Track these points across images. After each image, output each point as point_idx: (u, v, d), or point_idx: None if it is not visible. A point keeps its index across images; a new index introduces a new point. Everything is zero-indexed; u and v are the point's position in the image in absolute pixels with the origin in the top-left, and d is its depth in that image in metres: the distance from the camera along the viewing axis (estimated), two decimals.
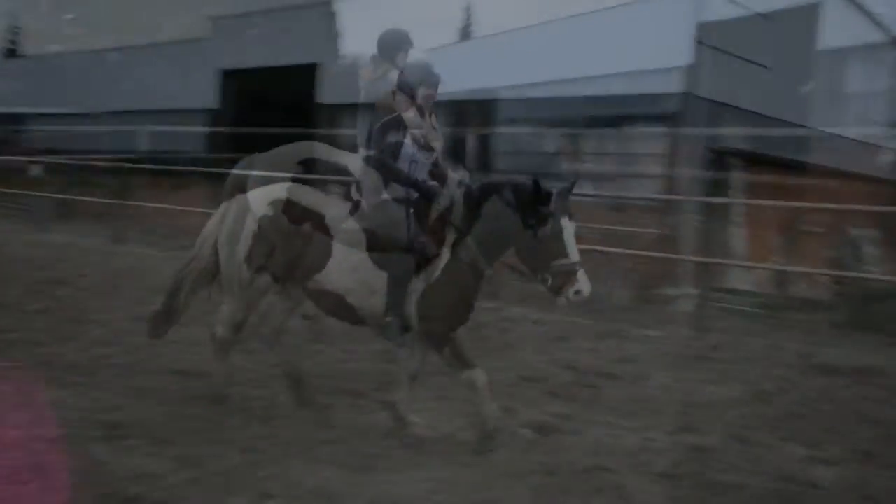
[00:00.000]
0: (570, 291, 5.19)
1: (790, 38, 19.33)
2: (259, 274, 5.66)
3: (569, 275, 5.16)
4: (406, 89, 5.71)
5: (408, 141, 5.58)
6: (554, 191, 5.22)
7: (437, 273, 5.39)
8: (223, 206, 6.06)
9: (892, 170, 20.90)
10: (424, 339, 5.50)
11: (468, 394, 5.50)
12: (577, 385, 7.22)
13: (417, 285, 5.40)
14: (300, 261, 5.57)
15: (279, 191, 5.81)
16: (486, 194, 5.45)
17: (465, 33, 48.09)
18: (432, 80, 5.72)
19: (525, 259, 5.36)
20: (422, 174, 5.66)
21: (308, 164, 5.91)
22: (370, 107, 5.94)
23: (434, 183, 5.59)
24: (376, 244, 5.45)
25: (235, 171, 6.25)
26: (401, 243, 5.39)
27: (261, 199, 5.76)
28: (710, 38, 17.09)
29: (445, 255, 5.41)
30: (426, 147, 5.66)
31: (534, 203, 5.20)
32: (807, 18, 19.80)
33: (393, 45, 6.29)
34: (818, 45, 20.40)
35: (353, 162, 6.01)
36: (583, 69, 28.57)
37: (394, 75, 5.99)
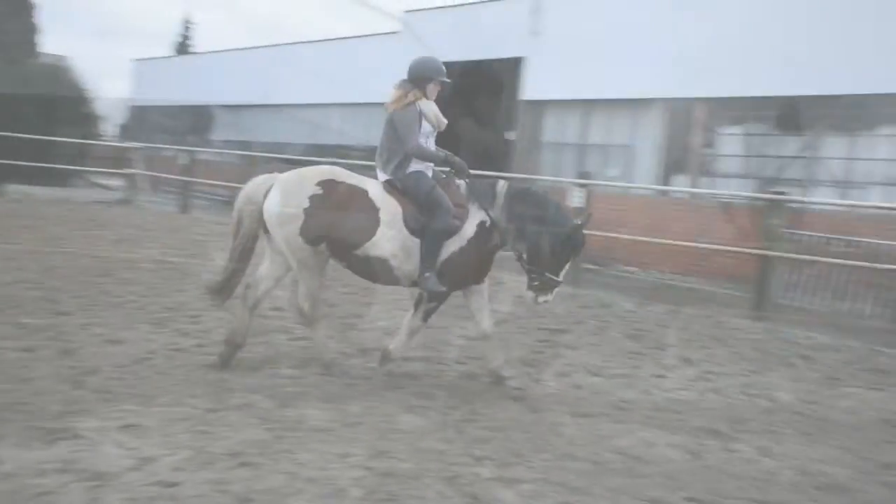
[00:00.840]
0: (542, 297, 6.35)
1: None
2: (317, 245, 6.24)
3: (550, 287, 6.31)
4: (419, 83, 6.43)
5: (426, 125, 6.39)
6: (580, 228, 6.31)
7: (464, 243, 6.27)
8: (253, 184, 6.56)
9: None
10: (426, 289, 6.26)
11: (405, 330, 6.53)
12: None
13: (447, 248, 6.26)
14: (351, 232, 6.19)
15: (324, 172, 6.43)
16: (533, 200, 6.45)
17: (183, 48, 48.19)
18: (441, 75, 6.50)
19: (532, 257, 6.29)
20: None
21: (327, 188, 6.24)
22: (394, 129, 6.38)
23: (459, 160, 6.48)
24: (415, 214, 6.23)
25: (252, 185, 6.59)
26: (434, 209, 6.19)
27: (307, 179, 6.33)
28: None
29: (470, 229, 6.30)
30: (436, 128, 6.51)
31: (568, 234, 6.24)
32: None
33: (427, 73, 6.48)
34: None
35: (373, 187, 6.38)
36: (301, 96, 28.79)
37: (424, 105, 6.39)
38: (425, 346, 7.46)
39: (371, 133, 26.30)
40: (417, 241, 6.24)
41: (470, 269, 6.42)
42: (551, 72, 21.25)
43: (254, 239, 6.52)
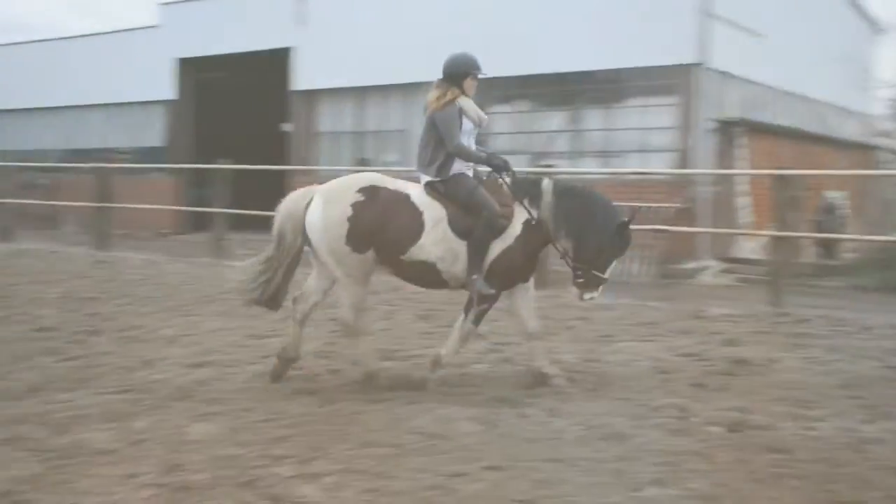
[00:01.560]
0: (587, 294, 6.31)
1: None
2: (364, 252, 6.17)
3: (597, 283, 6.26)
4: (456, 80, 6.34)
5: (467, 123, 6.28)
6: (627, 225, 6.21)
7: (511, 241, 6.18)
8: (291, 197, 6.47)
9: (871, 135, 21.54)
10: (477, 291, 6.18)
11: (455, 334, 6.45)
12: None
13: (494, 249, 6.17)
14: (396, 237, 6.14)
15: (364, 179, 6.42)
16: (580, 197, 6.37)
17: None
18: (477, 69, 6.39)
19: (579, 254, 6.25)
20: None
21: (369, 194, 6.19)
22: (435, 129, 6.28)
23: (502, 158, 6.36)
24: (460, 216, 6.15)
25: (290, 200, 6.52)
26: (480, 209, 6.10)
27: (349, 187, 6.27)
28: None
29: (517, 228, 6.21)
30: (478, 125, 6.40)
31: (616, 231, 6.14)
32: None
33: (463, 69, 6.38)
34: None
35: (415, 191, 6.33)
36: (55, 98, 27.64)
37: (464, 102, 6.30)
38: (211, 351, 7.34)
39: (136, 134, 25.33)
40: (464, 243, 6.18)
41: (518, 269, 6.35)
42: (321, 60, 21.09)
43: (298, 253, 6.44)
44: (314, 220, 6.21)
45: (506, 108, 19.72)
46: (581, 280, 6.28)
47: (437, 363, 6.42)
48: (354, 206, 6.13)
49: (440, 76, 6.42)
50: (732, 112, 17.85)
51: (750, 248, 16.68)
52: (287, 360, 6.45)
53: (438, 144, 6.26)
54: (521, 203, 6.25)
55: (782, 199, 10.67)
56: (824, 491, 4.25)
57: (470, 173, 6.38)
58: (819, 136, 20.63)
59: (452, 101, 6.25)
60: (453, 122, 6.21)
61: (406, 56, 19.06)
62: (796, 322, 9.07)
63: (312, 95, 22.00)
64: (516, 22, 18.20)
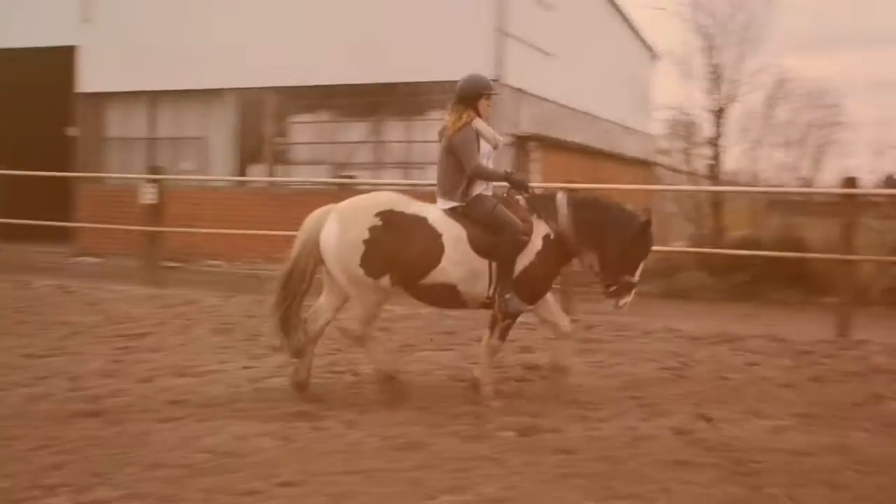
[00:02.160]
0: (622, 301, 6.28)
1: None
2: (378, 277, 6.08)
3: (629, 288, 6.26)
4: (470, 102, 6.26)
5: (484, 145, 6.24)
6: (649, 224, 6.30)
7: (532, 258, 6.16)
8: (313, 217, 6.38)
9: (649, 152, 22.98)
10: (509, 309, 6.15)
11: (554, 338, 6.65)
12: None
13: (517, 266, 6.13)
14: (416, 260, 6.07)
15: (383, 201, 6.29)
16: (595, 206, 6.45)
17: None
18: (489, 90, 6.39)
19: (606, 262, 6.29)
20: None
21: (386, 218, 6.07)
22: (453, 154, 6.22)
23: (519, 176, 6.49)
24: (481, 235, 6.09)
25: (309, 220, 6.38)
26: (503, 228, 6.06)
27: (366, 210, 6.16)
28: None
29: (537, 243, 6.19)
30: (495, 147, 6.37)
31: (639, 232, 6.23)
32: None
33: (475, 91, 6.32)
34: None
35: (432, 213, 6.24)
36: None
37: (480, 125, 6.24)
38: None
39: None
40: (485, 262, 6.10)
41: (541, 283, 6.32)
42: (110, 62, 19.72)
43: (311, 275, 6.29)
44: (328, 241, 6.12)
45: (308, 117, 19.57)
46: (613, 288, 6.30)
47: (475, 385, 6.36)
48: (372, 229, 6.03)
49: (454, 99, 6.36)
50: (527, 128, 18.47)
51: None
52: (299, 384, 6.32)
53: (458, 169, 6.20)
54: (540, 218, 6.26)
55: None
56: (605, 488, 4.46)
57: (489, 193, 6.32)
58: (606, 153, 21.73)
59: (469, 123, 6.19)
60: (471, 144, 6.16)
61: (204, 61, 18.57)
62: (585, 328, 9.45)
63: (100, 98, 20.76)
64: (320, 32, 18.09)
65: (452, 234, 6.11)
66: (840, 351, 8.42)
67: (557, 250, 6.29)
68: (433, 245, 6.08)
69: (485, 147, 6.25)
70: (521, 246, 6.12)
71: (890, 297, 12.58)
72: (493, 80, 16.95)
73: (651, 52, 25.95)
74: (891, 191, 14.14)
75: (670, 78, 34.82)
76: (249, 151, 19.70)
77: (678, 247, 14.67)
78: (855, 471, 4.84)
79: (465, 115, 6.21)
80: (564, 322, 6.62)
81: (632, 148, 23.90)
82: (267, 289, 6.52)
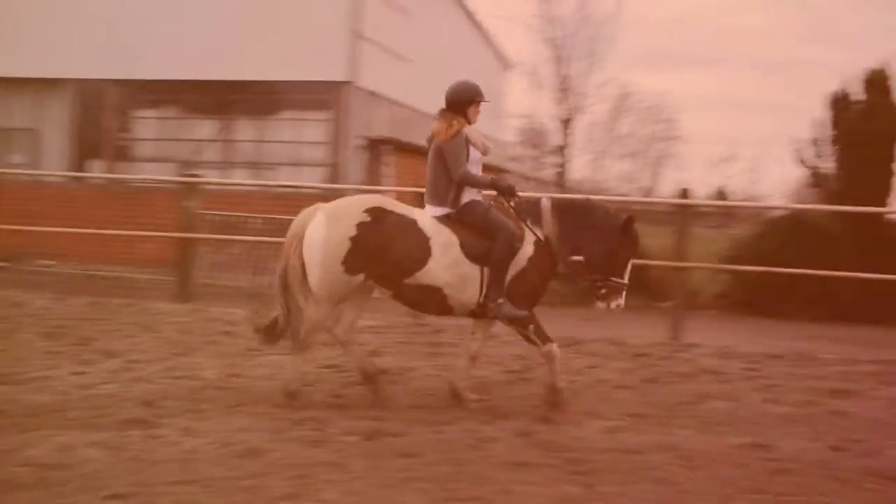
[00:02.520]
0: (613, 303, 6.28)
1: None
2: (354, 275, 6.07)
3: (618, 291, 6.26)
4: (459, 109, 6.29)
5: (474, 153, 6.25)
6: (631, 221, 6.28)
7: (525, 263, 6.16)
8: (301, 216, 6.37)
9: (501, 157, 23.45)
10: (505, 315, 6.14)
11: (545, 362, 6.43)
12: None
13: (510, 273, 6.14)
14: (401, 261, 6.04)
15: (372, 200, 6.31)
16: (579, 210, 6.49)
17: None
18: (480, 97, 6.38)
19: (594, 264, 6.28)
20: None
21: (375, 216, 6.05)
22: (442, 160, 6.20)
23: (507, 182, 6.49)
24: (473, 240, 6.10)
25: (298, 217, 6.35)
26: (496, 233, 6.07)
27: (355, 207, 6.17)
28: None
29: (529, 249, 6.19)
30: (484, 154, 6.39)
31: (622, 231, 6.22)
32: None
33: (465, 97, 6.32)
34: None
35: (422, 216, 6.24)
36: None
37: (470, 132, 6.25)
38: None
39: None
40: (477, 268, 6.09)
41: (536, 289, 6.30)
42: None
43: (300, 273, 6.19)
44: (315, 236, 6.09)
45: (152, 113, 19.01)
46: (603, 291, 6.30)
47: (456, 393, 6.34)
48: (360, 226, 6.02)
49: (443, 106, 6.33)
50: (380, 130, 18.48)
51: None
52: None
53: (447, 175, 6.20)
54: (526, 224, 6.27)
55: None
56: (447, 490, 4.48)
57: (479, 199, 6.34)
58: None
59: (459, 131, 6.18)
60: (460, 152, 6.16)
61: (39, 48, 17.73)
62: (433, 332, 9.54)
63: None
64: (169, 25, 17.57)
65: (441, 238, 6.12)
66: (672, 353, 8.83)
67: (548, 255, 6.30)
68: (420, 247, 6.08)
69: (474, 154, 6.28)
70: (515, 251, 6.15)
71: (719, 301, 13.27)
72: (346, 82, 17.13)
73: (503, 62, 26.44)
74: (721, 202, 14.87)
75: (522, 87, 35.48)
76: (88, 146, 18.88)
77: None
78: (680, 466, 5.06)
79: (455, 123, 6.22)
80: (554, 349, 6.51)
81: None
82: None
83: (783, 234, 12.96)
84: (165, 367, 7.29)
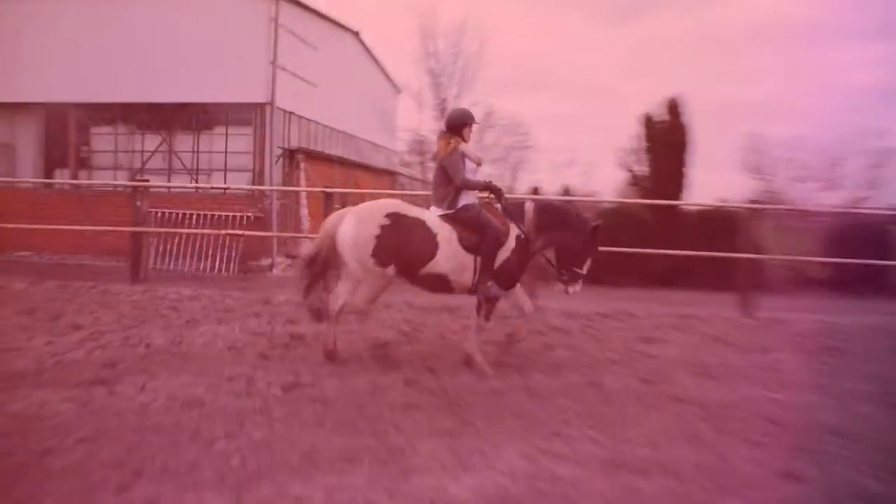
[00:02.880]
0: (571, 288, 6.35)
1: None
2: (386, 266, 6.06)
3: (577, 278, 6.34)
4: (454, 130, 6.34)
5: (469, 163, 6.32)
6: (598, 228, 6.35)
7: (508, 254, 6.22)
8: (332, 218, 6.42)
9: (393, 164, 23.48)
10: (490, 295, 6.24)
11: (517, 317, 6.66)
12: None
13: (497, 260, 6.19)
14: (417, 254, 6.06)
15: (391, 205, 6.25)
16: (556, 212, 6.53)
17: None
18: (472, 120, 6.43)
19: (561, 258, 6.41)
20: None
21: (393, 219, 6.07)
22: (445, 172, 6.26)
23: (496, 185, 6.41)
24: (468, 235, 6.13)
25: (328, 221, 6.43)
26: (485, 229, 6.13)
27: (377, 211, 6.15)
28: None
29: (511, 241, 6.24)
30: (478, 165, 6.47)
31: (590, 234, 6.29)
32: None
33: (460, 121, 6.37)
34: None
35: (429, 216, 6.25)
36: None
37: (465, 148, 6.30)
38: None
39: None
40: (471, 257, 6.13)
41: (515, 274, 6.33)
42: None
43: (329, 262, 6.30)
44: (346, 235, 6.11)
45: (108, 129, 18.38)
46: (565, 277, 6.36)
47: (470, 360, 6.26)
48: (382, 227, 6.04)
49: (443, 128, 6.42)
50: (295, 142, 18.27)
51: (310, 247, 17.15)
52: (329, 353, 6.30)
53: (448, 183, 6.25)
54: (511, 221, 6.29)
55: (328, 211, 11.19)
56: (351, 428, 4.52)
57: (474, 202, 6.36)
58: (359, 164, 21.89)
59: (456, 147, 6.24)
60: (459, 163, 6.21)
61: (13, 77, 17.00)
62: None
63: None
64: (120, 55, 17.08)
65: (444, 233, 6.15)
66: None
67: (526, 247, 6.33)
68: (430, 242, 6.10)
69: (469, 165, 6.33)
70: (500, 243, 6.19)
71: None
72: (266, 104, 16.85)
73: (394, 87, 26.36)
74: (565, 197, 15.24)
75: (409, 108, 35.42)
76: (56, 157, 18.33)
77: None
78: (532, 402, 5.24)
79: (452, 141, 6.29)
80: (528, 305, 6.66)
81: (380, 161, 24.22)
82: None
83: (611, 222, 13.37)
84: (122, 336, 7.07)
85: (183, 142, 18.06)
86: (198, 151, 17.87)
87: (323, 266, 6.36)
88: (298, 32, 17.95)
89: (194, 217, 15.91)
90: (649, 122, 15.43)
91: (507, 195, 6.49)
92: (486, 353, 6.35)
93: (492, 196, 6.41)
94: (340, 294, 6.39)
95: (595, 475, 3.84)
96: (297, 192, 17.43)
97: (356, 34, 22.66)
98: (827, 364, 6.81)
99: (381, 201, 6.46)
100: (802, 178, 15.76)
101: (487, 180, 6.48)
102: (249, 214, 15.84)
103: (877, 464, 4.11)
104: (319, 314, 6.45)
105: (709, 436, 4.56)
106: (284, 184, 17.35)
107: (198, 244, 15.41)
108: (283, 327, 7.77)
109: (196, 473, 3.78)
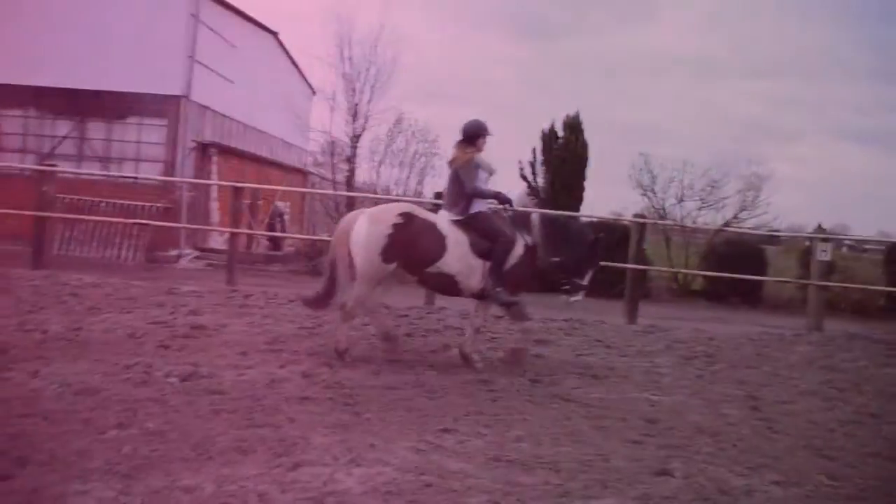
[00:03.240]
0: (573, 298, 6.45)
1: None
2: (389, 263, 6.02)
3: (579, 288, 6.41)
4: (470, 140, 6.36)
5: (482, 173, 6.31)
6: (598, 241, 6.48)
7: (516, 261, 6.21)
8: (348, 217, 6.41)
9: (306, 163, 23.16)
10: (501, 300, 6.20)
11: (518, 335, 6.71)
12: None
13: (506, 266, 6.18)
14: (425, 254, 6.05)
15: (403, 207, 6.30)
16: (559, 225, 6.65)
17: None
18: (486, 132, 6.39)
19: (565, 268, 6.41)
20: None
21: (406, 219, 6.05)
22: (458, 179, 6.28)
23: (506, 195, 6.47)
24: (479, 240, 6.15)
25: (344, 220, 6.43)
26: (497, 236, 6.15)
27: (390, 212, 6.15)
28: None
29: (519, 250, 6.25)
30: (490, 174, 6.44)
31: (590, 247, 6.41)
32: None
33: (475, 132, 6.36)
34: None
35: (440, 219, 6.26)
36: None
37: (479, 158, 6.30)
38: None
39: None
40: (480, 261, 6.14)
41: (523, 281, 6.33)
42: None
43: (347, 258, 6.14)
44: (358, 234, 6.07)
45: (19, 112, 17.38)
46: (567, 287, 6.41)
47: (467, 359, 6.35)
48: (395, 226, 6.01)
49: (460, 138, 6.40)
50: (209, 137, 17.75)
51: (219, 240, 16.73)
52: (340, 352, 6.15)
53: (461, 189, 6.24)
54: (519, 231, 6.31)
55: (238, 205, 10.94)
56: (246, 419, 4.38)
57: (486, 209, 6.36)
58: (272, 161, 21.43)
59: (472, 157, 6.26)
60: (472, 172, 6.24)
61: None
62: (244, 296, 9.27)
63: None
64: (32, 39, 16.15)
65: (454, 236, 6.15)
66: (426, 314, 9.03)
67: (533, 256, 6.32)
68: (438, 243, 6.09)
69: (482, 174, 6.32)
70: (510, 249, 6.20)
71: None
72: (182, 96, 16.32)
73: (310, 88, 25.97)
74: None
75: (323, 110, 34.99)
76: None
77: (323, 236, 14.80)
78: (425, 398, 5.22)
79: (468, 151, 6.31)
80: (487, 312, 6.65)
81: (291, 159, 23.76)
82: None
83: None
84: (18, 321, 6.67)
85: (95, 129, 17.28)
86: (110, 140, 17.13)
87: (340, 260, 6.27)
88: (218, 29, 17.47)
89: (102, 205, 15.20)
90: (549, 138, 15.77)
91: (515, 206, 6.65)
92: (379, 350, 6.29)
93: (501, 205, 6.49)
94: (354, 293, 6.29)
95: (480, 469, 3.86)
96: (207, 186, 16.93)
97: (275, 35, 22.22)
98: (700, 369, 7.11)
99: (395, 203, 6.65)
100: (685, 197, 16.41)
101: (497, 190, 6.53)
102: (159, 205, 15.28)
103: (739, 460, 4.31)
104: (315, 303, 6.47)
105: (590, 434, 4.67)
106: (196, 177, 16.83)
107: (105, 232, 14.73)
108: (186, 318, 7.50)
109: (84, 462, 3.57)
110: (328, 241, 14.38)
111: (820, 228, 11.01)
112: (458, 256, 6.16)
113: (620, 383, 6.21)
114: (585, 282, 6.46)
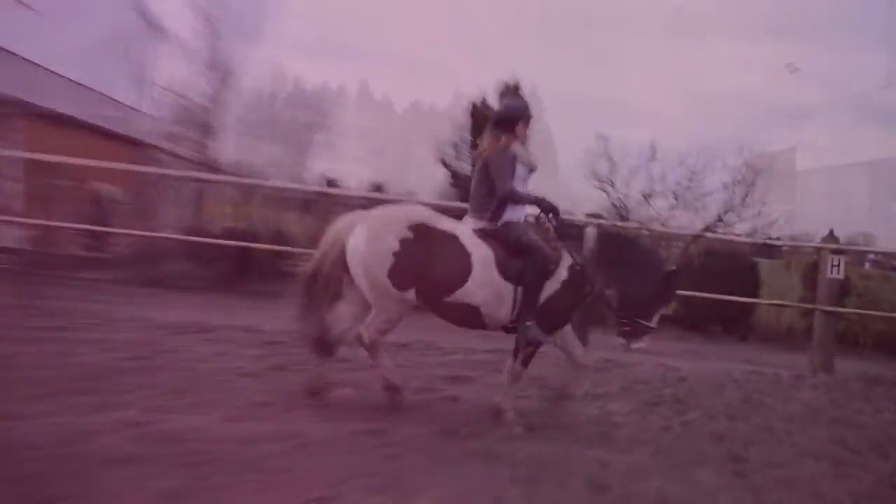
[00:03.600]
0: (635, 344, 6.23)
1: None
2: (405, 290, 5.99)
3: (644, 332, 6.18)
4: (507, 127, 6.29)
5: (521, 169, 6.24)
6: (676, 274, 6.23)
7: (557, 287, 6.14)
8: (336, 227, 6.28)
9: (148, 133, 22.58)
10: (530, 337, 6.14)
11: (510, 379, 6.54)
12: None
13: (542, 294, 6.10)
14: (443, 279, 5.97)
15: (414, 214, 6.16)
16: (625, 244, 6.45)
17: None
18: (527, 114, 6.36)
19: (623, 302, 6.22)
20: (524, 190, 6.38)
21: (418, 232, 5.98)
22: (487, 175, 6.23)
23: (550, 201, 6.32)
24: (509, 258, 6.07)
25: (336, 226, 6.29)
26: (530, 255, 6.06)
27: (398, 221, 6.04)
28: None
29: (563, 273, 6.16)
30: (531, 169, 6.37)
31: (664, 279, 6.14)
32: None
33: (514, 115, 6.33)
34: None
35: (463, 231, 6.18)
36: None
37: (518, 149, 6.25)
38: None
39: None
40: (510, 287, 6.04)
41: (563, 314, 6.26)
42: None
43: (338, 282, 6.14)
44: (356, 249, 6.00)
45: None
46: (627, 329, 6.19)
47: (500, 412, 6.32)
48: (402, 241, 5.93)
49: (491, 123, 6.38)
50: (7, 91, 17.05)
51: (17, 236, 16.05)
52: (392, 388, 6.33)
53: (491, 190, 6.18)
54: (565, 247, 6.19)
55: (46, 187, 10.55)
56: (39, 491, 4.18)
57: (521, 217, 6.30)
58: (99, 129, 20.73)
59: (507, 147, 6.20)
60: (506, 167, 6.15)
61: None
62: (44, 315, 8.93)
63: None
64: None
65: (480, 253, 6.09)
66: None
67: (581, 282, 6.22)
68: (462, 264, 6.04)
69: (521, 171, 6.28)
70: (548, 273, 6.11)
71: None
72: None
73: (153, 28, 25.26)
74: (373, 194, 15.32)
75: (173, 60, 34.29)
76: None
77: (165, 233, 14.41)
78: (295, 454, 5.11)
79: (503, 139, 6.24)
80: (579, 351, 6.65)
81: (120, 124, 22.92)
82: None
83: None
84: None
85: None
86: None
87: (327, 283, 6.22)
88: None
89: None
90: (479, 112, 15.81)
91: (563, 215, 6.52)
92: (234, 389, 6.15)
93: (543, 214, 6.40)
94: (341, 318, 6.34)
95: None
96: (4, 161, 16.30)
97: None
98: (667, 419, 7.22)
99: (403, 208, 6.46)
100: (655, 193, 16.59)
101: (539, 195, 6.41)
102: None
103: None
104: (320, 345, 6.32)
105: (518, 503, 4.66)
106: None
107: None
108: None
109: None
110: (170, 240, 14.08)
111: (831, 236, 11.12)
112: (484, 280, 6.11)
113: (562, 436, 6.26)
114: (653, 324, 6.25)
